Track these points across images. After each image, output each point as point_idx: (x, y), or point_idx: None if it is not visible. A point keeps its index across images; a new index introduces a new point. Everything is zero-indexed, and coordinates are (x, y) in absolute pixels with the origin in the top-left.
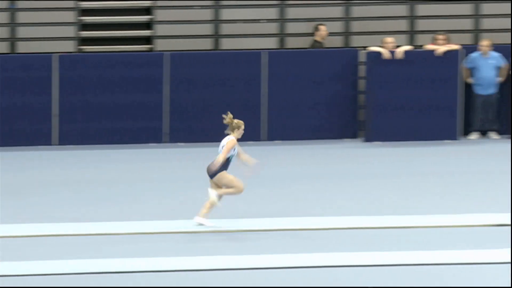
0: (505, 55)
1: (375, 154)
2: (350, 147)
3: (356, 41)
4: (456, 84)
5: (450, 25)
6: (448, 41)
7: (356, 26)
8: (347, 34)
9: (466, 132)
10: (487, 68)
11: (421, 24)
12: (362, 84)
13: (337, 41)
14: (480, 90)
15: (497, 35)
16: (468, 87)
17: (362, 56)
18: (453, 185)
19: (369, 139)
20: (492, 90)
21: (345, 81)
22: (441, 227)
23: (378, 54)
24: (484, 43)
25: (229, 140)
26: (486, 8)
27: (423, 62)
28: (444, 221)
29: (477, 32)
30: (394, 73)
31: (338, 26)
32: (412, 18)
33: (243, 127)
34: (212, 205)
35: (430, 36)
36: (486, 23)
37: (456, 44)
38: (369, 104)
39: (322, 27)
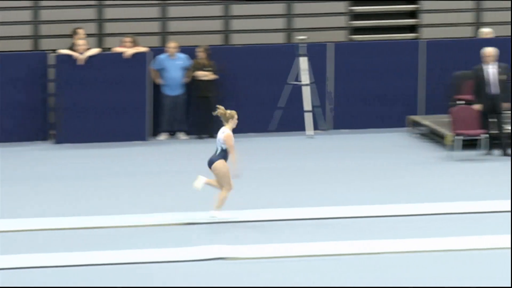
0: (191, 57)
1: (65, 156)
2: (41, 149)
3: (45, 44)
4: (145, 86)
5: (138, 28)
6: (135, 44)
7: (45, 29)
8: (36, 37)
9: (156, 133)
10: (174, 69)
11: (109, 27)
12: (52, 87)
13: (26, 44)
14: (168, 91)
15: (184, 37)
16: (157, 88)
17: (51, 59)
18: (145, 185)
19: (60, 141)
20: (179, 91)
21: (36, 84)
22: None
23: (68, 56)
24: (171, 45)
25: (227, 134)
26: (172, 11)
27: (111, 65)
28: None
29: (164, 34)
30: (83, 75)
31: (27, 29)
32: (100, 21)
33: (236, 116)
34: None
35: (118, 38)
36: (173, 26)
37: (144, 46)
38: (58, 107)
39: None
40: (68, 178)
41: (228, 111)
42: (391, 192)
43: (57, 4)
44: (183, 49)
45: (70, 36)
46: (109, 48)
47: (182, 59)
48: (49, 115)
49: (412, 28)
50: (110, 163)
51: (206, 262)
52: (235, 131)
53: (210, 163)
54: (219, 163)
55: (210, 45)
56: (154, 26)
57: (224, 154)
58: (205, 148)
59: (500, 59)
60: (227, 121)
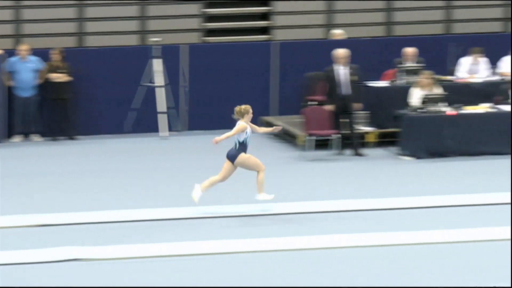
0: (46, 59)
1: None
2: None
3: None
4: None
5: None
6: None
7: None
8: None
9: (10, 135)
10: (25, 71)
11: None
12: None
13: None
14: (19, 93)
15: (38, 40)
16: (10, 90)
17: None
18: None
19: None
20: (30, 93)
21: None
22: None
23: None
24: (22, 47)
25: (240, 124)
26: (26, 13)
27: None
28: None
29: (18, 36)
30: None
31: None
32: None
33: (251, 111)
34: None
35: None
36: (27, 28)
37: None
38: None
39: None
40: None
41: (243, 107)
42: (244, 192)
43: None
44: (37, 52)
45: None
46: None
47: (33, 62)
48: None
49: (264, 30)
50: None
51: (60, 264)
52: (92, 131)
53: (232, 158)
54: (241, 157)
55: (64, 47)
56: (8, 28)
57: (243, 147)
58: (59, 149)
59: (352, 60)
60: (242, 116)
